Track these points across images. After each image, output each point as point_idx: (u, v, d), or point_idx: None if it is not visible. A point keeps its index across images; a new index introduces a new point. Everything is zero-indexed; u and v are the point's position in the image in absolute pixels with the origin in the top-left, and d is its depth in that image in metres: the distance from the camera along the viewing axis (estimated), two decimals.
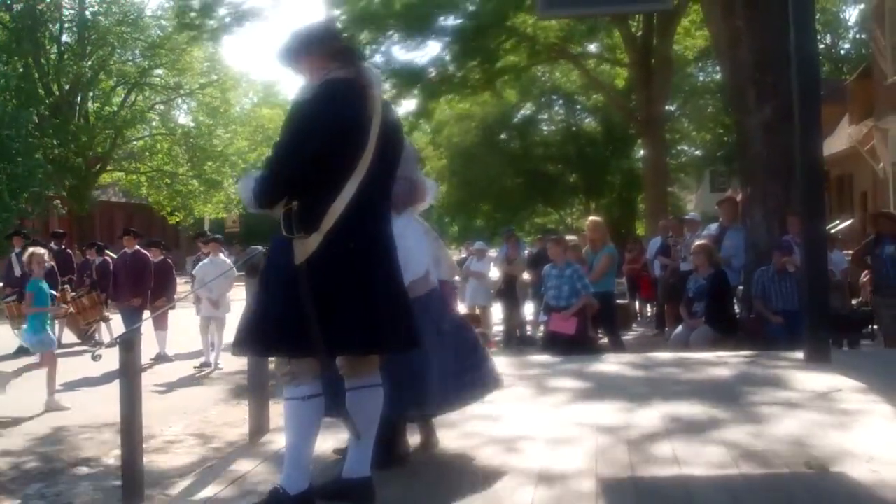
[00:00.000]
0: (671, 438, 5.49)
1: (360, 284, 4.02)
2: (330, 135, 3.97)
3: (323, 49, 4.27)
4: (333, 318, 3.96)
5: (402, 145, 4.44)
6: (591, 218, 14.54)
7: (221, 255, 14.40)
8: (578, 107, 38.95)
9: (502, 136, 40.60)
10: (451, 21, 23.44)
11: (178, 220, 45.31)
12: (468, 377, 5.28)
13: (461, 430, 5.85)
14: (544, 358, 9.91)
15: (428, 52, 27.28)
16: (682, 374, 8.24)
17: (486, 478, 4.82)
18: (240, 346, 4.22)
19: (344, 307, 3.98)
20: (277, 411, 6.77)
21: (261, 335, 4.13)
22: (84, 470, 7.47)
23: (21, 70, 36.67)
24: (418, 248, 5.11)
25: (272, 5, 22.04)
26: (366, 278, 4.04)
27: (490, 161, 38.57)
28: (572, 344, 10.78)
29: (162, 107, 44.07)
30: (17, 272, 15.89)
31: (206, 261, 14.39)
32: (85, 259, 18.64)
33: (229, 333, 13.95)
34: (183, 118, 47.17)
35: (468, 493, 4.55)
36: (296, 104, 4.21)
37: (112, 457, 7.50)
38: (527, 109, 40.81)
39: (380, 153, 4.09)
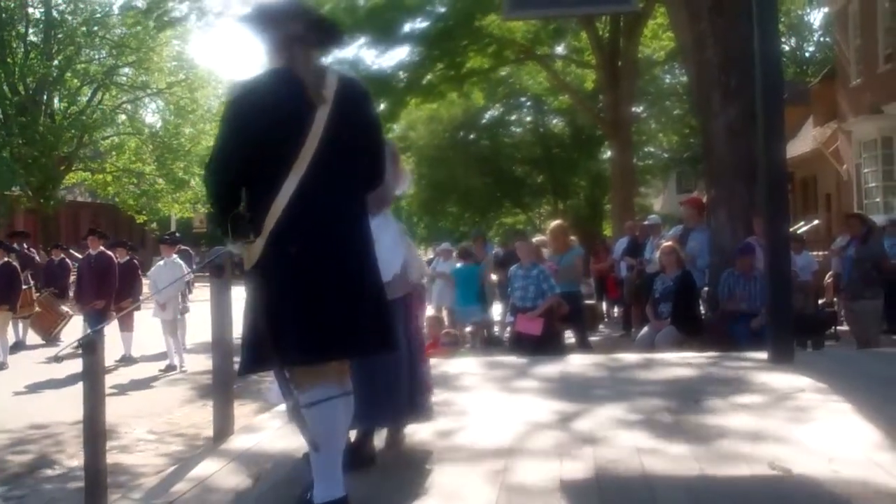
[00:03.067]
0: (635, 439, 5.50)
1: (306, 288, 3.86)
2: (258, 131, 3.82)
3: (264, 37, 4.12)
4: (280, 327, 3.85)
5: (367, 133, 4.18)
6: (554, 222, 14.59)
7: (175, 258, 14.31)
8: (546, 108, 39.02)
9: (470, 136, 40.63)
10: (417, 24, 23.42)
11: (144, 219, 45.03)
12: (416, 398, 5.30)
13: (426, 430, 5.84)
14: (511, 359, 9.93)
15: (395, 56, 27.45)
16: (646, 374, 8.27)
17: (450, 478, 4.81)
18: (240, 366, 4.12)
19: (290, 314, 3.85)
20: (242, 412, 6.79)
21: (244, 350, 4.05)
22: (47, 472, 7.42)
23: None
24: (394, 247, 5.04)
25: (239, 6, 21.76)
26: (313, 281, 3.86)
27: (458, 162, 38.60)
28: (539, 344, 10.81)
29: (129, 106, 43.78)
30: None
31: (160, 262, 14.34)
32: (50, 259, 18.54)
33: (192, 334, 14.06)
34: (150, 117, 46.93)
35: (433, 494, 4.54)
36: (226, 103, 4.10)
37: (76, 459, 7.44)
38: (494, 111, 40.87)
39: (329, 146, 3.89)
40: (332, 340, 3.92)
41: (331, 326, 3.90)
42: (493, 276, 16.13)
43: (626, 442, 5.44)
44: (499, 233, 42.36)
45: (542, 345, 10.89)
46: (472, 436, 5.79)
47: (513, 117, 41.97)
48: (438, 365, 9.13)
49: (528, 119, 41.46)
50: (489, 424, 6.14)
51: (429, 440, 5.66)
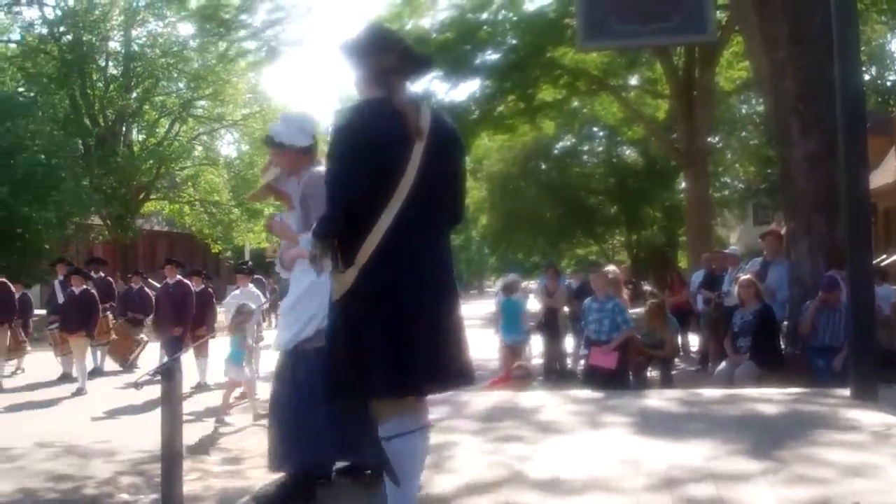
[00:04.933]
0: (716, 478, 5.37)
1: (396, 321, 3.85)
2: (361, 162, 3.84)
3: (362, 67, 4.16)
4: (368, 358, 3.85)
5: (457, 166, 4.21)
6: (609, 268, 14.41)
7: (251, 287, 14.43)
8: (619, 138, 38.80)
9: (542, 166, 40.51)
10: (488, 57, 23.44)
11: (219, 248, 45.65)
12: None
13: (500, 466, 5.77)
14: (586, 393, 9.80)
15: (467, 89, 27.34)
16: (726, 410, 8.10)
17: None
18: (326, 395, 4.14)
19: (379, 346, 3.84)
20: None
21: (328, 379, 4.05)
22: (124, 497, 7.47)
23: (68, 101, 37.28)
24: None
25: (305, 38, 22.05)
26: (403, 314, 3.86)
27: (530, 192, 38.51)
28: (613, 378, 10.69)
29: (205, 137, 44.49)
30: (61, 299, 16.04)
31: (236, 292, 14.47)
32: (128, 287, 18.81)
33: (267, 363, 14.12)
34: (225, 148, 47.66)
35: None
36: (332, 133, 4.08)
37: (152, 484, 7.49)
38: (567, 141, 40.74)
39: (424, 178, 3.91)
40: (419, 375, 3.91)
41: (419, 361, 3.88)
42: (566, 308, 16.01)
43: (706, 481, 5.31)
44: (571, 263, 42.14)
45: (616, 379, 10.77)
46: (549, 469, 5.71)
47: (585, 147, 41.81)
48: (511, 398, 9.07)
49: (601, 149, 41.26)
50: (564, 460, 6.04)
51: (501, 474, 5.59)
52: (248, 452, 9.38)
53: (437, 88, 23.67)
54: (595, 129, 39.65)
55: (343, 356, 3.94)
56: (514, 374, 10.63)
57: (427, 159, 3.93)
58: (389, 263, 3.86)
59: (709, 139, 28.31)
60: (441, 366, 3.97)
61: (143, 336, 17.80)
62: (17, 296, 16.49)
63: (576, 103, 33.79)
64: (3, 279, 16.18)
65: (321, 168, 5.18)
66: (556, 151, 40.55)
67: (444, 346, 4.00)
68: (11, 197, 28.87)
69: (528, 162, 39.02)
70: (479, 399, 9.00)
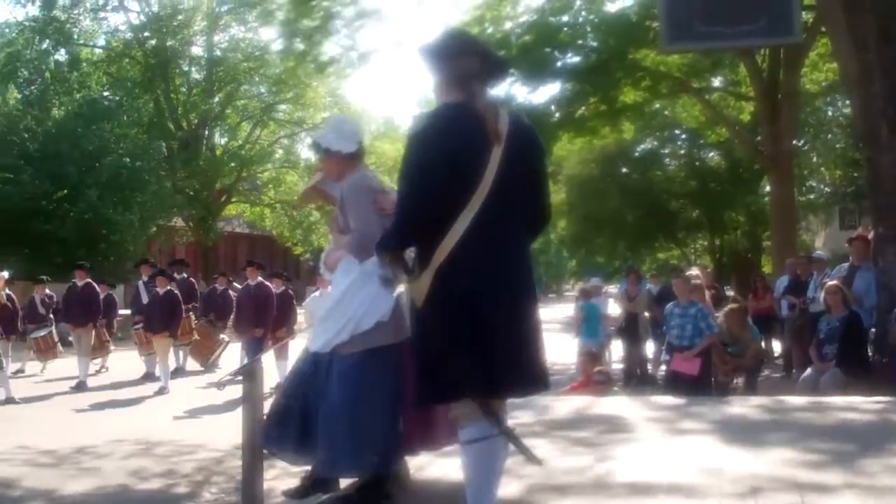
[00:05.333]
0: (800, 488, 5.25)
1: (478, 324, 3.83)
2: (440, 168, 3.82)
3: (443, 71, 4.14)
4: (451, 361, 3.83)
5: (536, 169, 4.18)
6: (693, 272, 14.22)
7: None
8: (702, 141, 38.26)
9: (623, 170, 40.12)
10: (569, 59, 23.27)
11: (299, 251, 46.15)
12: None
13: (579, 472, 5.72)
14: (667, 399, 9.67)
15: (547, 91, 27.18)
16: (811, 419, 7.93)
17: None
18: (415, 399, 4.13)
19: (459, 349, 3.83)
20: None
21: (417, 383, 4.05)
22: (205, 496, 7.55)
23: (153, 105, 38.04)
24: (380, 295, 4.77)
25: (392, 46, 22.13)
26: (484, 317, 3.84)
27: (610, 195, 38.17)
28: (695, 385, 10.54)
29: (286, 140, 45.00)
30: (145, 300, 16.33)
31: (315, 293, 14.57)
32: (212, 287, 19.05)
33: None
34: (305, 151, 48.15)
35: None
36: (409, 139, 4.10)
37: (232, 483, 7.56)
38: (648, 143, 40.31)
39: (502, 182, 3.89)
40: (501, 377, 3.89)
41: (500, 364, 3.86)
42: (647, 313, 15.84)
43: (791, 491, 5.19)
44: (651, 268, 41.69)
45: (699, 385, 10.62)
46: (628, 475, 5.66)
47: (667, 150, 41.31)
48: (591, 404, 8.99)
49: (683, 152, 40.74)
50: (645, 464, 5.98)
51: (584, 480, 5.54)
52: None
53: (518, 91, 23.52)
54: (677, 131, 39.15)
55: (429, 360, 3.93)
56: (593, 379, 10.53)
57: (506, 163, 3.92)
58: (467, 267, 3.86)
59: (794, 142, 27.72)
60: (521, 368, 3.96)
61: (223, 337, 18.04)
62: (101, 296, 16.83)
63: (657, 105, 33.40)
64: (89, 280, 16.53)
65: (362, 174, 5.18)
66: (636, 154, 40.11)
67: (524, 349, 3.99)
68: (97, 199, 29.55)
69: (608, 165, 38.64)
70: (559, 404, 8.94)
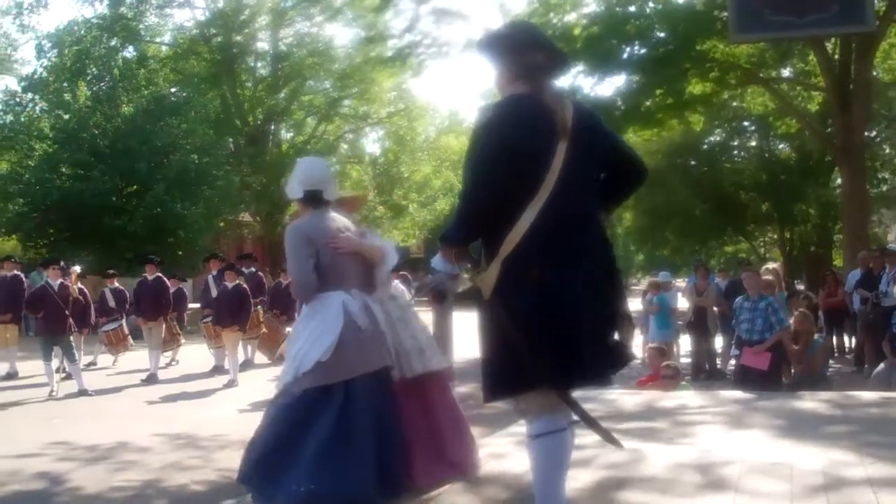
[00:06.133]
0: (873, 484, 5.14)
1: (549, 314, 3.77)
2: (507, 159, 3.77)
3: (509, 62, 4.10)
4: (524, 353, 3.78)
5: (604, 151, 4.09)
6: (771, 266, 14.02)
7: (397, 283, 14.52)
8: (771, 133, 37.65)
9: (691, 162, 39.64)
10: (635, 51, 23.05)
11: None
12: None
13: (648, 465, 5.66)
14: (736, 393, 9.54)
15: (613, 83, 26.79)
16: (884, 414, 7.77)
17: None
18: (483, 393, 4.06)
19: (531, 341, 3.77)
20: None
21: (486, 377, 3.98)
22: None
23: (219, 101, 38.46)
24: (318, 339, 4.80)
25: (465, 44, 22.11)
26: (555, 306, 3.78)
27: (677, 188, 37.73)
28: (765, 379, 10.38)
29: (351, 135, 45.25)
30: (214, 293, 16.50)
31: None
32: (277, 281, 19.18)
33: None
34: (371, 146, 48.40)
35: None
36: (475, 131, 4.05)
37: None
38: (716, 135, 39.78)
39: (569, 175, 3.84)
40: (579, 367, 3.85)
41: (573, 355, 3.82)
42: (715, 308, 15.65)
43: (863, 488, 5.09)
44: (720, 262, 41.17)
45: (769, 380, 10.46)
46: (697, 469, 5.61)
47: (735, 142, 40.74)
48: (660, 398, 8.91)
49: (752, 144, 40.16)
50: (715, 458, 5.91)
51: (655, 471, 5.48)
52: None
53: (583, 83, 23.34)
54: (746, 123, 38.59)
55: (498, 353, 3.90)
56: (662, 373, 10.42)
57: (573, 152, 3.87)
58: (537, 257, 3.81)
59: (866, 133, 27.17)
60: (594, 359, 3.89)
61: (290, 330, 18.14)
62: (171, 290, 17.05)
63: (726, 97, 32.96)
64: (159, 274, 16.75)
65: (304, 220, 5.22)
66: (705, 146, 39.60)
67: (600, 338, 3.94)
68: (166, 194, 29.97)
69: (675, 157, 38.17)
70: (627, 397, 8.88)
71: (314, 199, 5.10)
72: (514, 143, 3.80)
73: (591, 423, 4.07)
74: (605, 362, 3.98)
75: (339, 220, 5.19)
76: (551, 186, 3.82)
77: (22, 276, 17.19)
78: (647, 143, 36.47)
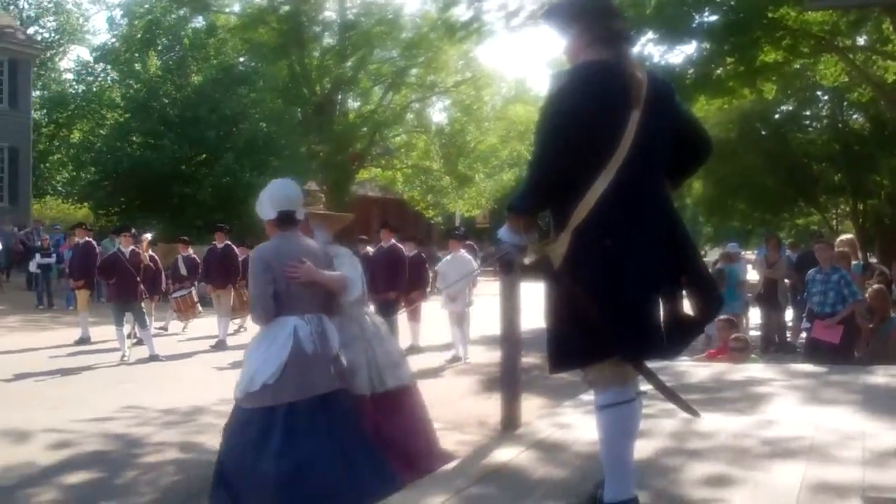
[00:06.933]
0: None
1: (622, 283, 3.72)
2: (579, 128, 3.70)
3: (585, 28, 3.99)
4: (596, 323, 3.74)
5: (674, 123, 4.00)
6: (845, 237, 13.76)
7: (463, 252, 14.55)
8: (844, 102, 36.85)
9: (762, 132, 38.97)
10: (706, 18, 22.68)
11: (431, 214, 46.48)
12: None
13: (715, 437, 5.61)
14: (807, 367, 9.40)
15: (683, 52, 26.32)
16: None
17: (751, 474, 4.71)
18: (550, 364, 4.05)
19: (603, 311, 3.73)
20: (527, 406, 6.77)
21: (553, 348, 3.96)
22: None
23: (287, 70, 38.62)
24: (265, 361, 4.96)
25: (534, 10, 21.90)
26: (627, 276, 3.72)
27: (748, 158, 37.14)
28: (836, 353, 10.21)
29: (417, 105, 45.16)
30: None
31: (448, 257, 14.59)
32: (355, 250, 19.15)
33: (475, 327, 14.27)
34: (437, 116, 48.29)
35: (734, 486, 4.41)
36: (548, 97, 3.99)
37: None
38: (788, 105, 39.05)
39: (641, 144, 3.76)
40: (651, 337, 3.81)
41: (648, 323, 3.79)
42: (786, 280, 15.43)
43: None
44: (791, 234, 40.53)
45: (840, 353, 10.28)
46: (766, 441, 5.57)
47: (808, 112, 39.96)
48: (729, 370, 8.82)
49: (825, 114, 39.36)
50: (784, 431, 5.85)
51: (723, 443, 5.43)
52: (459, 413, 9.50)
53: (653, 51, 23.05)
54: (819, 92, 37.82)
55: (566, 324, 3.87)
56: (731, 345, 10.28)
57: (645, 121, 3.79)
58: (608, 226, 3.75)
59: None
60: (666, 330, 3.86)
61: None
62: (240, 258, 17.23)
63: (798, 65, 32.30)
64: (228, 242, 16.94)
65: (270, 243, 5.33)
66: (776, 116, 38.90)
67: (672, 309, 3.89)
68: (234, 163, 30.26)
69: (746, 127, 37.55)
70: (696, 369, 8.79)
71: (286, 220, 5.19)
72: (587, 112, 3.73)
73: (667, 393, 4.04)
74: (677, 332, 3.92)
75: (304, 244, 5.27)
76: (623, 156, 3.75)
77: (94, 243, 17.50)
78: (717, 113, 35.97)
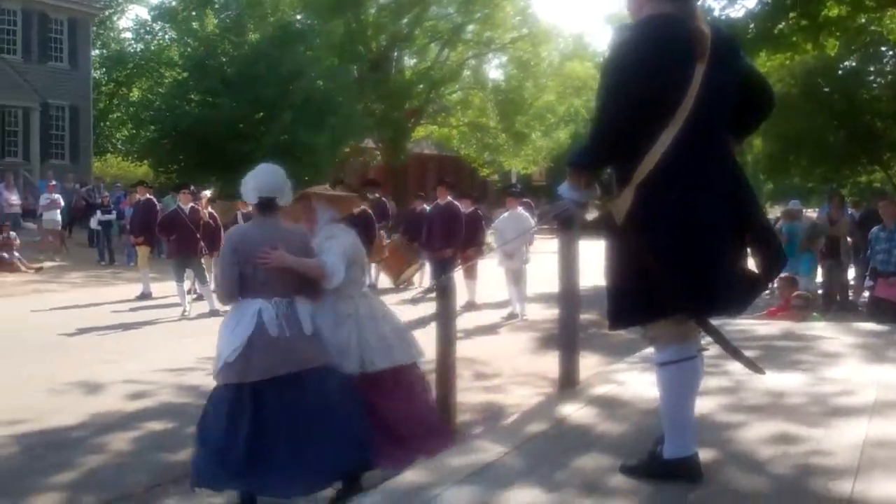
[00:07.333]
0: None
1: (687, 239, 3.67)
2: (644, 82, 3.63)
3: None
4: (660, 279, 3.69)
5: (739, 77, 3.91)
6: None
7: (520, 210, 14.47)
8: None
9: (825, 88, 38.21)
10: None
11: (487, 172, 46.36)
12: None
13: (777, 395, 5.56)
14: (870, 325, 9.27)
15: (745, 5, 25.82)
16: None
17: (812, 431, 4.71)
18: (609, 321, 4.02)
19: (667, 266, 3.69)
20: (584, 363, 6.76)
21: (613, 304, 3.93)
22: None
23: (343, 28, 38.54)
24: (228, 341, 5.04)
25: None
26: (693, 232, 3.68)
27: (810, 114, 36.47)
28: None
29: (474, 61, 44.88)
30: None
31: (505, 214, 14.52)
32: (411, 208, 19.09)
33: (531, 285, 14.23)
34: (494, 72, 47.96)
35: (791, 441, 4.35)
36: (611, 52, 3.93)
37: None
38: (852, 61, 38.22)
39: (706, 98, 3.69)
40: (718, 294, 3.77)
41: (714, 279, 3.74)
42: (849, 239, 15.18)
43: None
44: (853, 191, 39.83)
45: None
46: (831, 398, 5.54)
47: (872, 68, 39.10)
48: (790, 328, 8.73)
49: (890, 69, 38.49)
50: (848, 388, 5.83)
51: (785, 401, 5.38)
52: (516, 369, 9.52)
53: (713, 5, 22.68)
54: (883, 48, 36.95)
55: (628, 280, 3.83)
56: (793, 303, 10.17)
57: (710, 76, 3.72)
58: (673, 182, 3.70)
59: None
60: (731, 286, 3.80)
61: (421, 260, 18.12)
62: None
63: (863, 20, 31.56)
64: None
65: (231, 230, 5.53)
66: (839, 72, 38.11)
67: (737, 265, 3.85)
68: (292, 121, 30.35)
69: (809, 83, 36.84)
70: (757, 327, 8.71)
71: (265, 206, 5.19)
72: (651, 66, 3.66)
73: (731, 349, 4.01)
74: (741, 289, 3.89)
75: (280, 230, 5.26)
76: (688, 110, 3.69)
77: (154, 200, 17.70)
78: (779, 68, 35.30)
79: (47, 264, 22.32)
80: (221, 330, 5.17)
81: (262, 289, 5.01)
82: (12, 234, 22.23)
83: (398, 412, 5.31)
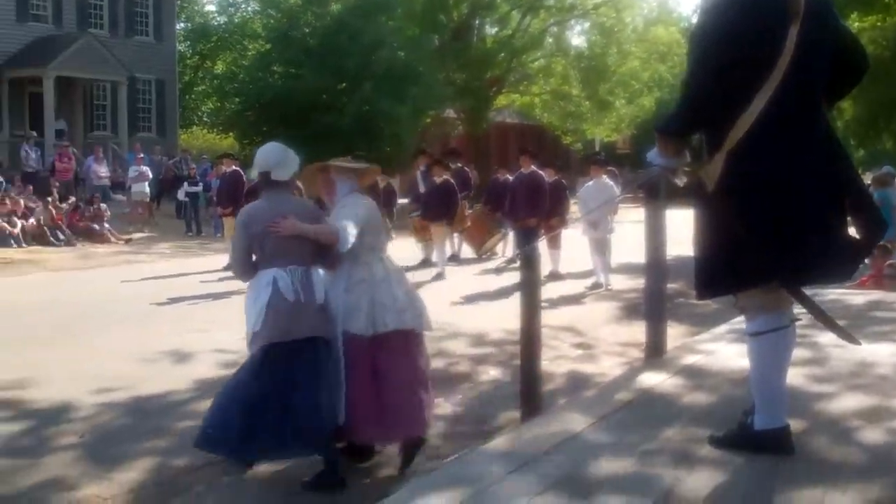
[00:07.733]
0: None
1: (780, 208, 3.60)
2: (735, 45, 3.57)
3: None
4: (751, 247, 3.64)
5: (833, 39, 3.80)
6: None
7: (604, 178, 14.32)
8: None
9: None
10: None
11: (569, 140, 45.97)
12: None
13: (874, 367, 5.45)
14: None
15: None
16: None
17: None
18: (697, 290, 3.99)
19: (762, 236, 3.62)
20: (672, 333, 6.70)
21: (702, 273, 3.90)
22: (483, 377, 7.77)
23: None
24: (251, 310, 5.17)
25: None
26: (786, 200, 3.60)
27: None
28: None
29: (556, 29, 44.40)
30: (422, 188, 16.75)
31: (589, 183, 14.39)
32: (495, 178, 19.01)
33: (615, 255, 14.11)
34: (576, 39, 47.44)
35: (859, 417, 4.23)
36: (700, 15, 3.89)
37: (507, 365, 7.74)
38: None
39: (800, 62, 3.59)
40: (811, 264, 3.69)
41: (806, 249, 3.65)
42: None
43: None
44: None
45: None
46: None
47: None
48: (883, 298, 8.55)
49: None
50: None
51: (875, 373, 5.27)
52: (601, 339, 9.46)
53: None
54: None
55: (718, 249, 3.77)
56: (885, 272, 9.94)
57: (803, 37, 3.62)
58: (765, 149, 3.62)
59: None
60: (826, 255, 3.70)
61: (504, 229, 18.05)
62: (381, 186, 17.37)
63: None
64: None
65: (245, 207, 5.55)
66: None
67: (835, 234, 3.74)
68: (374, 92, 30.43)
69: None
70: (848, 297, 8.53)
71: (267, 182, 5.35)
72: (742, 29, 3.59)
73: (825, 319, 3.93)
74: (842, 256, 3.79)
75: (289, 203, 5.40)
76: (781, 74, 3.60)
77: (241, 171, 17.92)
78: (870, 30, 34.32)
79: (136, 235, 22.86)
80: (245, 305, 5.29)
81: (277, 259, 5.11)
82: (102, 205, 22.84)
83: (400, 380, 5.34)
